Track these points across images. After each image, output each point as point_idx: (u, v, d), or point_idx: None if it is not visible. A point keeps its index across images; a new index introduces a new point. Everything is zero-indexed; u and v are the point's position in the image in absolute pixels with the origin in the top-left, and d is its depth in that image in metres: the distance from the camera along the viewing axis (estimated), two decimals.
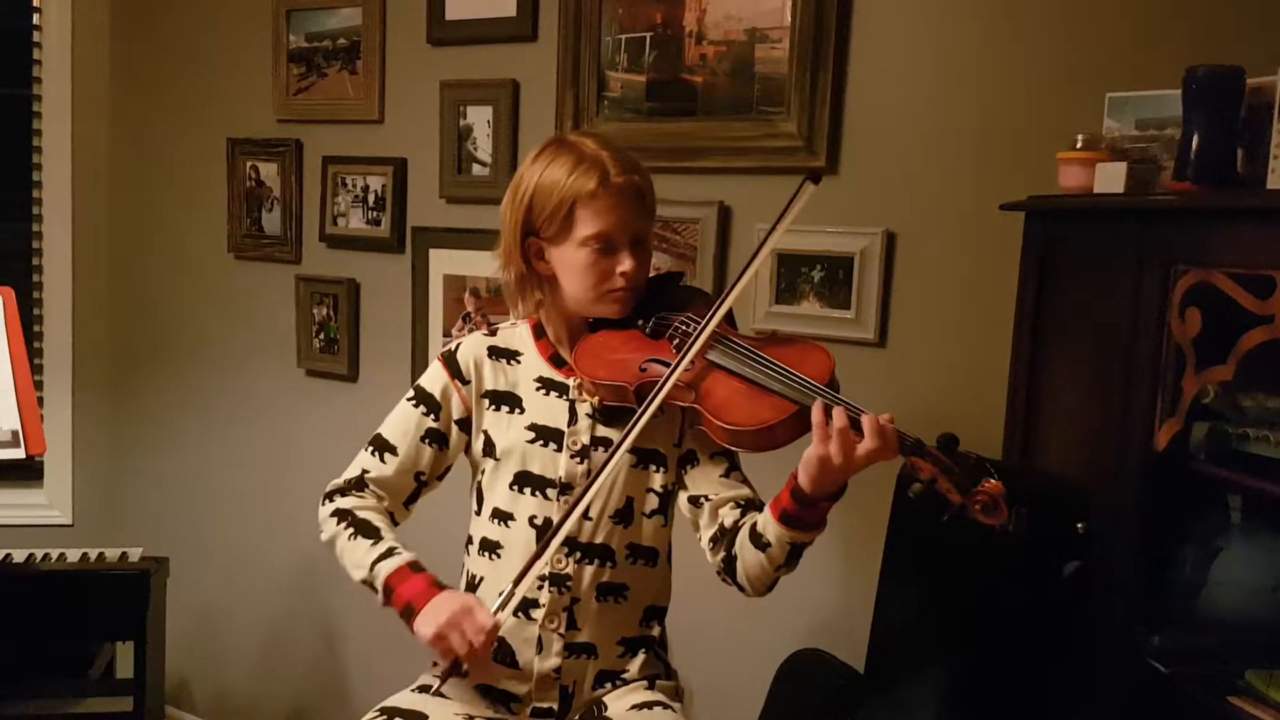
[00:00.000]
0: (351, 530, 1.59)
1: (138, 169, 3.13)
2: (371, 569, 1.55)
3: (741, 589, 1.57)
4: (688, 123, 2.25)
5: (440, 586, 1.52)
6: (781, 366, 1.48)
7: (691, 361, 1.52)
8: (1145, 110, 1.64)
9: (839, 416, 1.37)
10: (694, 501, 1.62)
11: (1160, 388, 1.50)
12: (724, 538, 1.56)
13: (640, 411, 1.51)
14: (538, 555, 1.51)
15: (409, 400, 1.67)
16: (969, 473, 1.35)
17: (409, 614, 1.50)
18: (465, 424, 1.67)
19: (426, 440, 1.65)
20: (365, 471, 1.65)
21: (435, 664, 1.55)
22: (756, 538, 1.50)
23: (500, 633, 1.61)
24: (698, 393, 1.51)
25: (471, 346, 1.68)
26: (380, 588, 1.54)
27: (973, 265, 1.99)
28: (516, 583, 1.51)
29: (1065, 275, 1.73)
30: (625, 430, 1.52)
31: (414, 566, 1.55)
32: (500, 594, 1.51)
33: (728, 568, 1.57)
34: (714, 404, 1.49)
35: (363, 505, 1.63)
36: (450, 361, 1.67)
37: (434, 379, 1.68)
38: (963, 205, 1.99)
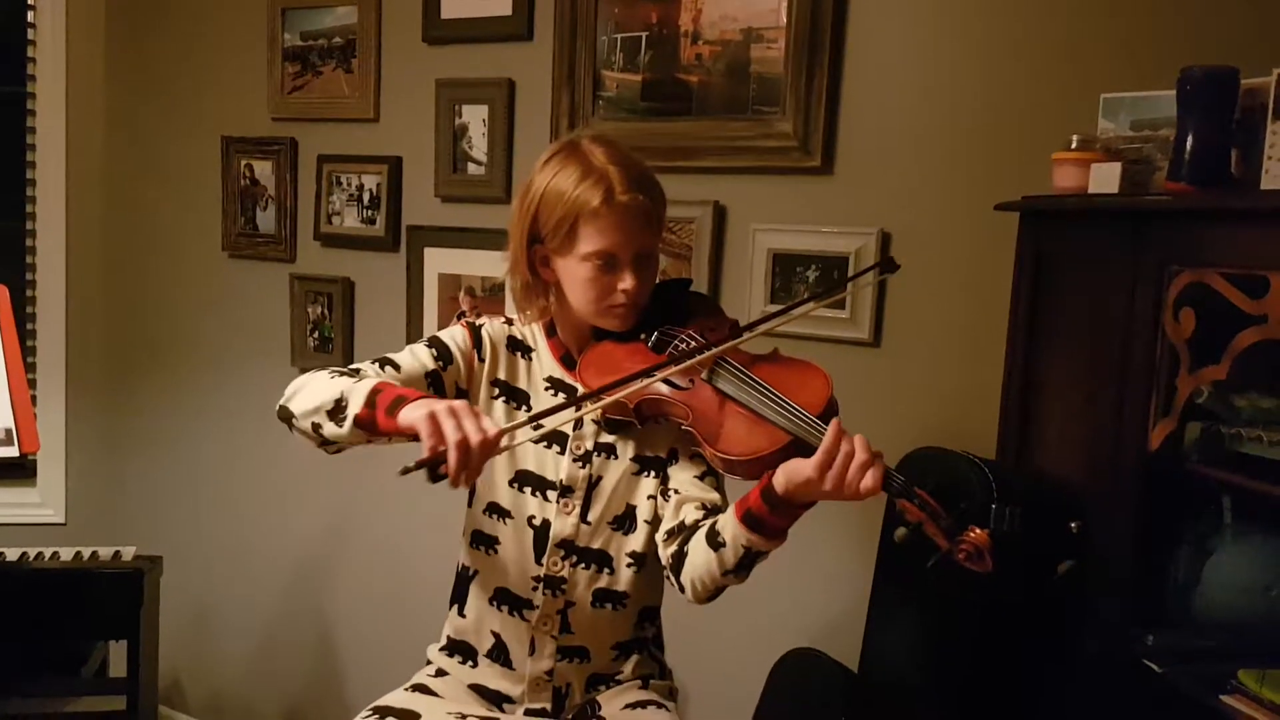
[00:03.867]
0: (336, 374, 1.48)
1: (132, 167, 3.12)
2: (356, 383, 1.41)
3: (682, 589, 1.52)
4: (683, 122, 2.26)
5: None
6: (779, 395, 1.46)
7: (690, 380, 1.51)
8: (1140, 111, 1.64)
9: (844, 445, 1.34)
10: (663, 493, 1.60)
11: (1154, 388, 1.51)
12: (680, 533, 1.54)
13: (618, 383, 1.48)
14: (554, 410, 1.45)
15: (422, 342, 1.62)
16: (956, 520, 1.34)
17: (398, 404, 1.34)
18: (464, 397, 1.62)
19: (429, 381, 1.59)
20: (361, 370, 1.54)
21: (427, 465, 1.30)
22: (713, 536, 1.46)
23: (497, 629, 1.62)
24: (695, 415, 1.50)
25: (494, 330, 1.66)
26: (363, 394, 1.39)
27: (968, 265, 1.99)
28: (529, 420, 1.41)
29: (1060, 276, 1.73)
30: (591, 392, 1.49)
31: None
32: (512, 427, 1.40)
33: (675, 564, 1.53)
34: (711, 431, 1.48)
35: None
36: (475, 332, 1.64)
37: (455, 339, 1.63)
38: (957, 205, 1.99)
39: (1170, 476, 1.50)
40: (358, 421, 1.40)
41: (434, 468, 1.29)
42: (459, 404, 1.33)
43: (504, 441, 1.35)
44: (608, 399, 1.50)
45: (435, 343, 1.62)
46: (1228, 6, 1.73)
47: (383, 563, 2.81)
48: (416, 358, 1.59)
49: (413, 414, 1.32)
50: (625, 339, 1.61)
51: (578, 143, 1.58)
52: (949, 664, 1.71)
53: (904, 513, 1.37)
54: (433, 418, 1.30)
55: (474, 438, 1.29)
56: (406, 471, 1.28)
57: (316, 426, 1.46)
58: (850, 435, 1.36)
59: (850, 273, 2.08)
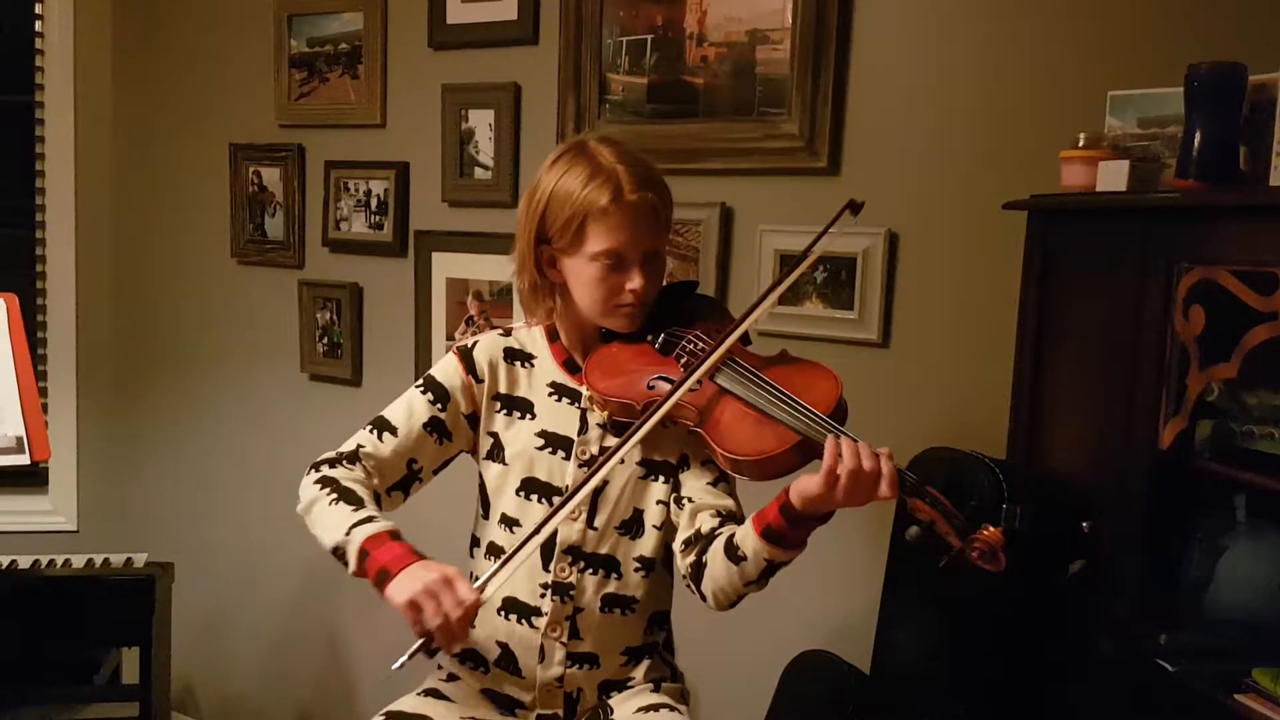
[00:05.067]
0: (334, 496, 1.52)
1: (140, 175, 3.13)
2: (348, 532, 1.46)
3: (703, 598, 1.53)
4: (689, 124, 2.25)
5: (420, 555, 1.43)
6: (787, 394, 1.45)
7: (699, 383, 1.50)
8: (1147, 108, 1.64)
9: (848, 453, 1.34)
10: (676, 501, 1.60)
11: (1164, 386, 1.50)
12: (697, 543, 1.54)
13: (635, 428, 1.48)
14: (527, 540, 1.46)
15: (417, 388, 1.65)
16: (968, 518, 1.34)
17: (383, 578, 1.40)
18: (473, 420, 1.65)
19: (429, 429, 1.62)
20: (360, 446, 1.60)
21: (420, 650, 1.40)
22: (732, 549, 1.46)
23: (504, 639, 1.62)
24: (702, 416, 1.50)
25: (488, 346, 1.67)
26: (354, 552, 1.44)
27: (976, 265, 1.99)
28: (502, 564, 1.44)
29: (1068, 274, 1.72)
30: (620, 441, 1.50)
31: (394, 535, 1.46)
32: (482, 576, 1.44)
33: (695, 574, 1.53)
34: (718, 431, 1.47)
35: (350, 477, 1.56)
36: (466, 357, 1.65)
37: (447, 371, 1.65)
38: (965, 205, 1.99)
39: (1181, 474, 1.50)
40: (356, 576, 1.46)
41: (427, 648, 1.39)
42: (434, 579, 1.37)
43: (488, 590, 1.42)
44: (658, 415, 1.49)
45: (430, 384, 1.64)
46: (1234, 3, 1.72)
47: None
48: (412, 411, 1.63)
49: (395, 597, 1.39)
50: (632, 340, 1.62)
51: (585, 143, 1.59)
52: (961, 664, 1.71)
53: (915, 511, 1.36)
54: (413, 604, 1.36)
55: (454, 614, 1.36)
56: (403, 665, 1.38)
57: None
58: (854, 443, 1.35)
59: (858, 274, 2.08)
